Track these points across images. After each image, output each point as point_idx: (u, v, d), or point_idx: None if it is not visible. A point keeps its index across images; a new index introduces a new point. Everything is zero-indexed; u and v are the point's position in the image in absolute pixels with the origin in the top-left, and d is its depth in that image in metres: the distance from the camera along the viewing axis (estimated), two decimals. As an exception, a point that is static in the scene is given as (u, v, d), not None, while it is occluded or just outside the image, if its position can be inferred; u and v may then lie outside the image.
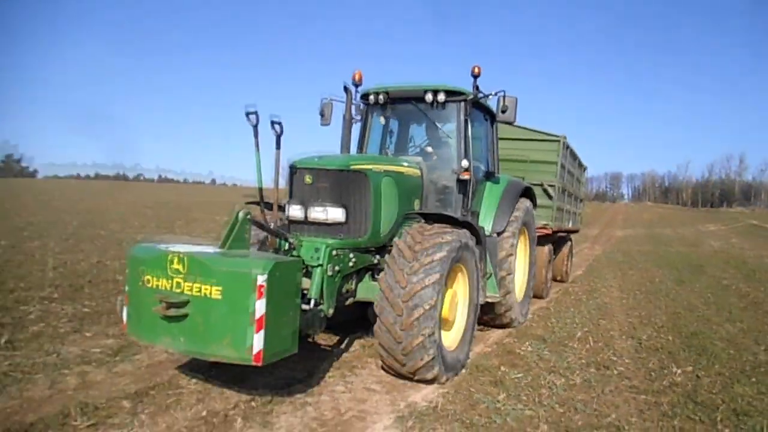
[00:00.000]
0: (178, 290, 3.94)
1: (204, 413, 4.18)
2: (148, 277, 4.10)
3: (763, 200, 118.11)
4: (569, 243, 13.02)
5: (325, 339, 6.51)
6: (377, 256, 5.80)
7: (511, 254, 7.17)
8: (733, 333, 7.60)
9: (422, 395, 4.93)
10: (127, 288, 4.36)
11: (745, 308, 9.55)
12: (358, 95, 7.12)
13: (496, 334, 7.30)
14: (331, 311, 5.06)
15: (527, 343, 6.78)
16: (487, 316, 7.34)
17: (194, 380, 4.84)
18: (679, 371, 5.79)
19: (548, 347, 6.65)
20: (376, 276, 5.74)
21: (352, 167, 5.45)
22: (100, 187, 54.14)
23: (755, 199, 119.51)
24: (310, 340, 6.31)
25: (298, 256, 4.94)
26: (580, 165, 12.95)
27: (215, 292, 3.83)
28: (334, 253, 5.12)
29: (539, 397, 4.97)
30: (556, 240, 11.41)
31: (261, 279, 3.75)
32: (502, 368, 5.74)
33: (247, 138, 5.03)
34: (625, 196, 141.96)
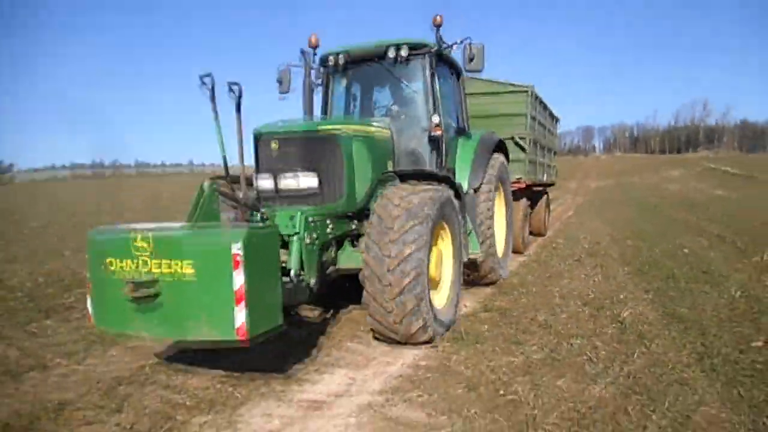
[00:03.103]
0: (145, 269, 3.68)
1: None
2: (111, 260, 3.81)
3: (725, 142, 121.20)
4: (545, 196, 13.01)
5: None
6: (355, 222, 5.59)
7: (490, 209, 7.05)
8: (663, 233, 12.21)
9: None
10: (88, 275, 4.06)
11: (672, 224, 14.17)
12: (317, 59, 6.82)
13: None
14: (313, 281, 4.85)
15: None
16: (469, 274, 7.24)
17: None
18: (645, 249, 9.95)
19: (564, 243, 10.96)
20: (356, 243, 5.55)
21: (320, 129, 5.20)
22: (85, 186, 53.05)
23: (718, 141, 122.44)
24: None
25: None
26: (552, 116, 12.84)
27: (187, 268, 3.58)
28: (310, 220, 4.89)
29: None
30: (532, 194, 11.37)
31: (236, 248, 3.51)
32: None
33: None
34: (597, 149, 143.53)
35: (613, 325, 5.38)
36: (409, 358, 4.76)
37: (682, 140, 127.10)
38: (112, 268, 3.82)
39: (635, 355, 4.52)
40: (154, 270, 3.66)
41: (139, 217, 16.84)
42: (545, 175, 12.03)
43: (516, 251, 9.67)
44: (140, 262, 3.69)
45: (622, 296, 6.49)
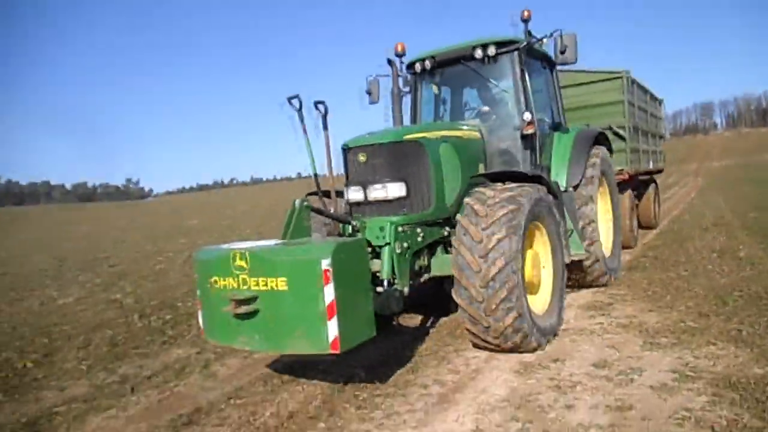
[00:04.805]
0: (245, 287, 3.89)
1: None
2: (215, 278, 4.08)
3: None
4: (653, 185, 12.11)
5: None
6: (447, 229, 5.52)
7: (591, 207, 6.65)
8: None
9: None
10: (198, 292, 4.38)
11: None
12: (404, 67, 6.83)
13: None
14: (406, 289, 4.86)
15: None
16: (575, 276, 6.90)
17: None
18: (765, 220, 11.45)
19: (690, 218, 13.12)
20: (448, 249, 5.49)
21: (406, 138, 5.20)
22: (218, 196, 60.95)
23: None
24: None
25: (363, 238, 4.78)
26: (654, 98, 11.90)
27: (281, 285, 3.74)
28: (399, 229, 4.90)
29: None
30: (637, 184, 10.64)
31: (325, 264, 3.61)
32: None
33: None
34: (719, 126, 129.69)
35: (733, 260, 7.80)
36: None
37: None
38: (217, 285, 4.08)
39: (747, 270, 7.14)
40: (252, 287, 3.86)
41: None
42: (651, 163, 11.17)
43: (625, 246, 9.09)
44: (240, 280, 3.91)
45: (741, 247, 8.72)
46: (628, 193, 9.69)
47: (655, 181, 12.25)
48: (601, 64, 10.08)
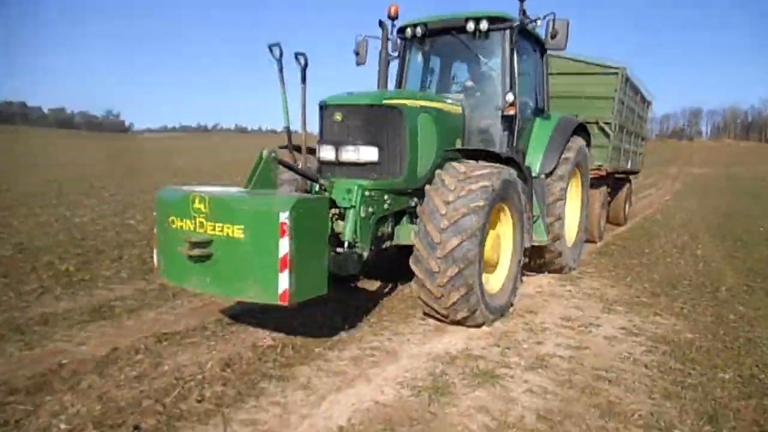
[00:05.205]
0: (201, 230, 3.87)
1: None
2: (173, 218, 4.05)
3: None
4: (628, 185, 12.27)
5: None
6: (415, 199, 5.54)
7: (560, 198, 6.73)
8: (751, 216, 14.86)
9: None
10: (155, 230, 4.35)
11: (765, 211, 16.10)
12: (395, 30, 6.71)
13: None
14: (366, 253, 4.91)
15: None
16: (536, 261, 7.02)
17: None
18: (729, 225, 12.80)
19: (662, 218, 13.89)
20: (414, 220, 5.52)
21: (385, 102, 5.14)
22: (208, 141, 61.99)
23: None
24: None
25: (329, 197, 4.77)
26: (643, 100, 11.94)
27: (238, 232, 3.73)
28: (367, 194, 4.91)
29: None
30: (613, 182, 10.77)
31: (283, 216, 3.61)
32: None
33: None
34: (704, 133, 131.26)
35: (691, 256, 8.84)
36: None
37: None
38: (174, 226, 4.05)
39: (700, 265, 8.15)
40: (209, 231, 3.85)
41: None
42: (629, 163, 11.27)
43: (589, 240, 9.25)
44: (197, 222, 3.88)
45: (699, 246, 9.75)
46: (602, 189, 9.78)
47: (629, 181, 12.37)
48: (603, 54, 10.01)
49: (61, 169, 22.84)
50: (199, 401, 3.39)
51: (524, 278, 6.66)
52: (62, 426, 3.05)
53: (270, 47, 4.57)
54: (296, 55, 4.60)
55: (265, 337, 4.54)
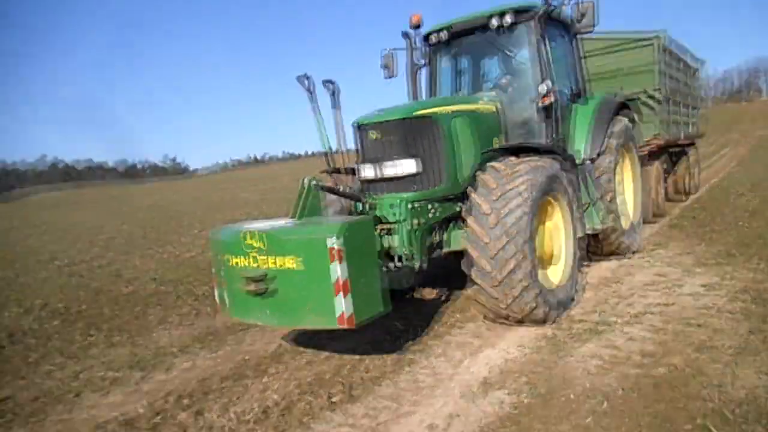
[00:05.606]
0: (255, 265, 4.05)
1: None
2: (228, 256, 4.25)
3: None
4: (691, 154, 11.70)
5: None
6: (460, 204, 5.51)
7: (610, 178, 6.54)
8: None
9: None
10: (213, 270, 4.57)
11: None
12: (420, 39, 6.76)
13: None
14: (418, 265, 4.94)
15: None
16: (599, 248, 6.84)
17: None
18: None
19: (729, 184, 13.78)
20: (462, 225, 5.51)
21: (416, 114, 5.18)
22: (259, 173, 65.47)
23: None
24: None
25: (375, 216, 4.86)
26: (688, 65, 11.18)
27: (290, 262, 3.88)
28: (411, 206, 4.96)
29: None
30: (669, 155, 10.36)
31: (331, 242, 3.73)
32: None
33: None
34: (763, 92, 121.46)
35: (762, 218, 8.73)
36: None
37: None
38: (230, 264, 4.26)
39: None
40: (263, 265, 4.02)
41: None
42: (683, 133, 10.68)
43: (655, 216, 8.94)
44: (251, 258, 4.07)
45: None
46: (656, 164, 9.39)
47: (687, 153, 11.75)
48: (650, 18, 9.64)
49: (145, 214, 24.78)
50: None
51: (596, 263, 7.02)
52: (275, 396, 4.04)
53: (298, 79, 4.75)
54: (324, 82, 4.75)
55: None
